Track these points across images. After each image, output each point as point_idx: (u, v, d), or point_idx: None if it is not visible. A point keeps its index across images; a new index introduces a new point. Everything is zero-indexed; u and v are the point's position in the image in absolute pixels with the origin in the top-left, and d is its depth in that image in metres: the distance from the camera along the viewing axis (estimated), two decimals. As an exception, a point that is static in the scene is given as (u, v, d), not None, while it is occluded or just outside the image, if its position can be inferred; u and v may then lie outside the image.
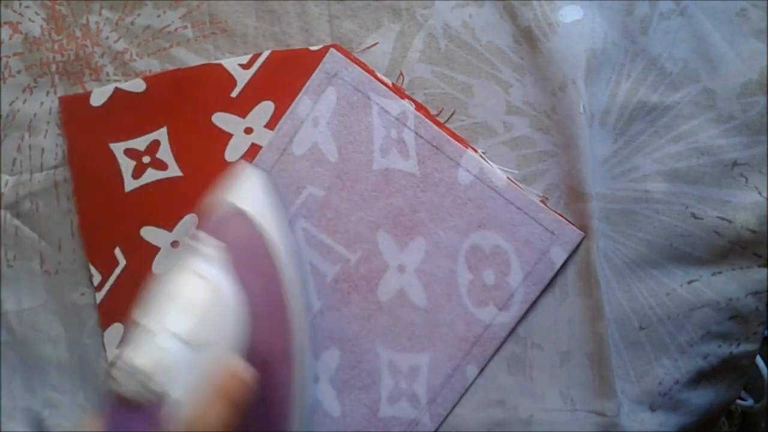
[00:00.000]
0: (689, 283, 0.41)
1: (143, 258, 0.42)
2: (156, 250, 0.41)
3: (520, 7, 0.40)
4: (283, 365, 0.36)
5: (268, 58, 0.41)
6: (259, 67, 0.41)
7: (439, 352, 0.40)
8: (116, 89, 0.42)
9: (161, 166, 0.41)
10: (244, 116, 0.41)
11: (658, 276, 0.41)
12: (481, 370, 0.40)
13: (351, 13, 0.41)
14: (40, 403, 0.43)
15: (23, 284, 0.44)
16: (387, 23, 0.42)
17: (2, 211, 0.43)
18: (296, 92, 0.41)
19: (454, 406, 0.40)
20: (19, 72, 0.43)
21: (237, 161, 0.41)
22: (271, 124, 0.41)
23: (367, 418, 0.40)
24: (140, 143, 0.42)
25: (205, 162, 0.41)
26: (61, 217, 0.43)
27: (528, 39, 0.40)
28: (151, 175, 0.42)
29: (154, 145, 0.41)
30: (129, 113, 0.42)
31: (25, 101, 0.43)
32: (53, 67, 0.42)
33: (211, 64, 0.41)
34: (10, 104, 0.43)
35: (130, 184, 0.42)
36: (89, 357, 0.43)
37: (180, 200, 0.41)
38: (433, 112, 0.41)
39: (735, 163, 0.40)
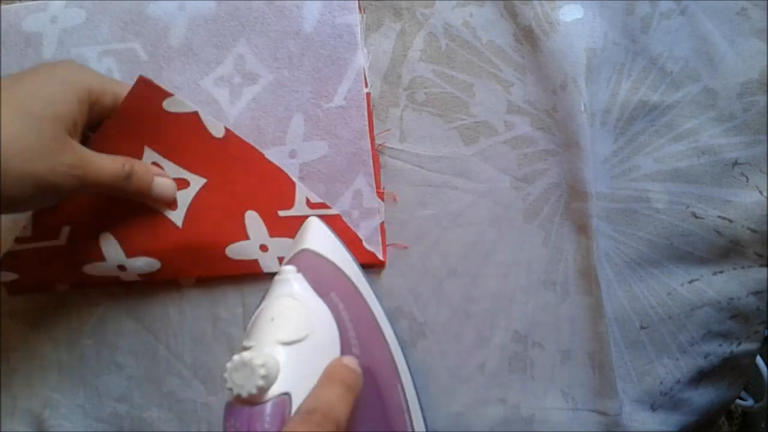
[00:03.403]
0: (690, 282, 0.41)
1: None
2: (255, 263, 0.42)
3: (520, 6, 0.40)
4: (388, 372, 0.38)
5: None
6: None
7: None
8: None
9: (183, 184, 0.41)
10: None
11: (658, 275, 0.41)
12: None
13: (352, 13, 0.41)
14: (40, 403, 0.43)
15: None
16: (388, 22, 0.42)
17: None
18: None
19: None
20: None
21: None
22: None
23: None
24: None
25: (203, 151, 0.41)
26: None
27: (529, 38, 0.40)
28: (185, 198, 0.41)
29: (159, 168, 0.41)
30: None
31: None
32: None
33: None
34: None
35: (176, 217, 0.41)
36: (89, 357, 0.43)
37: (226, 204, 0.41)
38: (434, 111, 0.41)
39: (736, 163, 0.40)
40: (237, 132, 0.41)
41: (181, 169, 0.41)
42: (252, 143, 0.41)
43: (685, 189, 0.40)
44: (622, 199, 0.41)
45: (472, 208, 0.41)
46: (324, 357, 0.34)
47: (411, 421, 0.38)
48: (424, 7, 0.41)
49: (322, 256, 0.37)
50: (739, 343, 0.41)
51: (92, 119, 0.37)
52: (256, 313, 0.34)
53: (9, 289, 0.43)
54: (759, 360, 0.54)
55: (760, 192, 0.40)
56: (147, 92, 0.39)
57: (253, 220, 0.41)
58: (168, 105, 0.40)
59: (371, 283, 0.39)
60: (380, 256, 0.41)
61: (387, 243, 0.41)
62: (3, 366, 0.43)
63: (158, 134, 0.40)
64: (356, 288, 0.38)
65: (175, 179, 0.41)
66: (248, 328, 0.33)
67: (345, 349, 0.35)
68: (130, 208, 0.41)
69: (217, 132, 0.41)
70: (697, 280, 0.41)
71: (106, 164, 0.36)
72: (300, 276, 0.35)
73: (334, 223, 0.40)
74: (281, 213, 0.41)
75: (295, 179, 0.41)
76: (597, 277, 0.40)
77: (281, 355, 0.31)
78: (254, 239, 0.41)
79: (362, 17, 0.41)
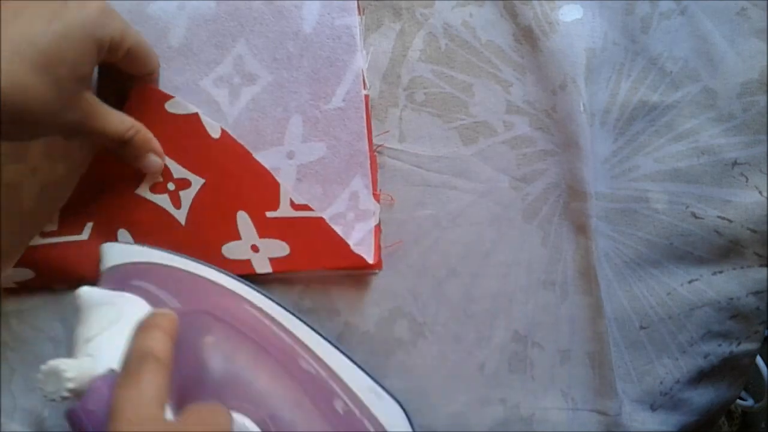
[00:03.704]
0: (690, 282, 0.41)
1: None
2: (248, 263, 0.42)
3: (520, 6, 0.40)
4: (234, 302, 0.39)
5: None
6: None
7: None
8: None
9: (185, 183, 0.42)
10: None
11: (658, 275, 0.41)
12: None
13: (351, 13, 0.41)
14: (40, 403, 0.43)
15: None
16: (387, 22, 0.42)
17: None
18: None
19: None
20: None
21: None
22: None
23: None
24: (155, 175, 0.43)
25: (203, 151, 0.41)
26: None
27: (528, 38, 0.40)
28: (186, 197, 0.41)
29: (166, 168, 0.42)
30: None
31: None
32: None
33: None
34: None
35: (180, 215, 0.42)
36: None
37: (221, 204, 0.42)
38: (433, 111, 0.41)
39: (735, 163, 0.40)
40: (235, 132, 0.41)
41: (183, 169, 0.41)
42: (250, 144, 0.41)
43: (684, 189, 0.40)
44: (622, 199, 0.41)
45: (472, 208, 0.41)
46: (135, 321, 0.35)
47: (280, 332, 0.39)
48: (424, 7, 0.41)
49: (118, 264, 0.39)
50: (739, 343, 0.41)
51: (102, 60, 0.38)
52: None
53: (25, 288, 0.43)
54: (759, 360, 0.54)
55: (760, 192, 0.40)
56: (148, 96, 0.40)
57: (243, 220, 0.41)
58: (170, 107, 0.41)
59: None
60: (370, 259, 0.41)
61: (385, 245, 0.41)
62: (3, 366, 0.43)
63: (162, 135, 0.41)
64: (164, 265, 0.39)
65: (178, 179, 0.41)
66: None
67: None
68: (143, 205, 0.41)
69: (215, 133, 0.41)
70: (696, 280, 0.41)
71: (113, 123, 0.38)
72: (86, 288, 0.36)
73: (317, 226, 0.40)
74: (268, 214, 0.41)
75: (290, 183, 0.41)
76: (597, 277, 0.40)
77: (93, 348, 0.33)
78: (245, 239, 0.41)
79: (361, 19, 0.41)
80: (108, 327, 0.34)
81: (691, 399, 0.41)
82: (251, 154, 0.41)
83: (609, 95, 0.40)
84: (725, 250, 0.40)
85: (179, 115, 0.41)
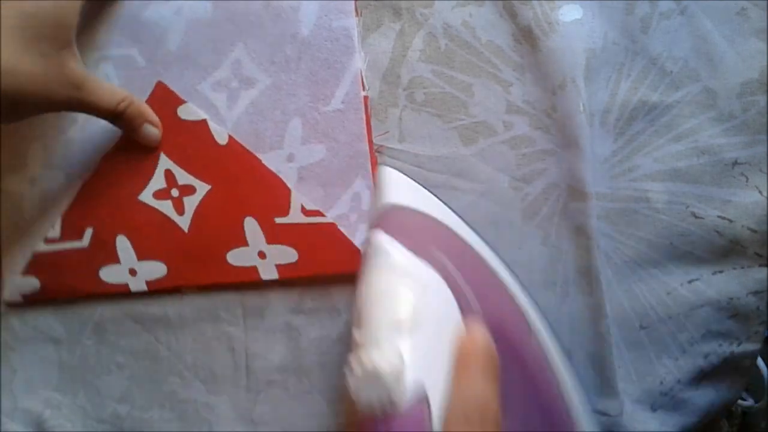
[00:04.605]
0: (690, 282, 0.40)
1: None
2: (254, 270, 0.41)
3: (519, 6, 0.40)
4: (522, 331, 0.34)
5: None
6: None
7: None
8: (103, 157, 0.43)
9: (190, 190, 0.42)
10: None
11: (658, 275, 0.41)
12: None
13: (351, 13, 0.41)
14: (40, 403, 0.43)
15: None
16: (387, 22, 0.42)
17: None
18: None
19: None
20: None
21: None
22: None
23: None
24: (158, 181, 0.42)
25: (210, 159, 0.42)
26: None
27: (528, 38, 0.40)
28: (190, 203, 0.42)
29: (170, 175, 0.42)
30: (127, 163, 0.42)
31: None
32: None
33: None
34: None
35: (183, 222, 0.42)
36: (90, 357, 0.43)
37: (228, 210, 0.41)
38: (433, 111, 0.41)
39: (735, 163, 0.40)
40: (236, 136, 0.41)
41: (189, 175, 0.42)
42: (250, 147, 0.42)
43: (684, 189, 0.40)
44: (622, 199, 0.41)
45: (471, 208, 0.41)
46: (446, 328, 0.29)
47: (553, 371, 0.34)
48: (424, 7, 0.41)
49: (410, 208, 0.33)
50: (740, 343, 0.41)
51: None
52: (358, 297, 0.30)
53: (29, 301, 0.43)
54: (759, 360, 0.53)
55: (760, 192, 0.40)
56: (164, 98, 0.41)
57: (251, 226, 0.41)
58: (181, 112, 0.41)
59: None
60: None
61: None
62: (3, 366, 0.43)
63: (172, 141, 0.41)
64: (457, 235, 0.34)
65: (182, 186, 0.42)
66: (355, 316, 0.29)
67: (464, 310, 0.31)
68: (145, 212, 0.42)
69: (222, 139, 0.41)
70: (696, 279, 0.40)
71: (104, 96, 0.38)
72: (394, 241, 0.30)
73: (329, 231, 0.40)
74: (278, 220, 0.41)
75: (290, 186, 0.41)
76: (597, 277, 0.40)
77: (405, 345, 0.27)
78: (253, 246, 0.41)
79: (359, 20, 0.41)
80: (416, 319, 0.28)
81: (691, 399, 0.41)
82: (260, 161, 0.41)
83: (609, 95, 0.40)
84: (725, 250, 0.40)
85: (189, 121, 0.41)
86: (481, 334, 0.30)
